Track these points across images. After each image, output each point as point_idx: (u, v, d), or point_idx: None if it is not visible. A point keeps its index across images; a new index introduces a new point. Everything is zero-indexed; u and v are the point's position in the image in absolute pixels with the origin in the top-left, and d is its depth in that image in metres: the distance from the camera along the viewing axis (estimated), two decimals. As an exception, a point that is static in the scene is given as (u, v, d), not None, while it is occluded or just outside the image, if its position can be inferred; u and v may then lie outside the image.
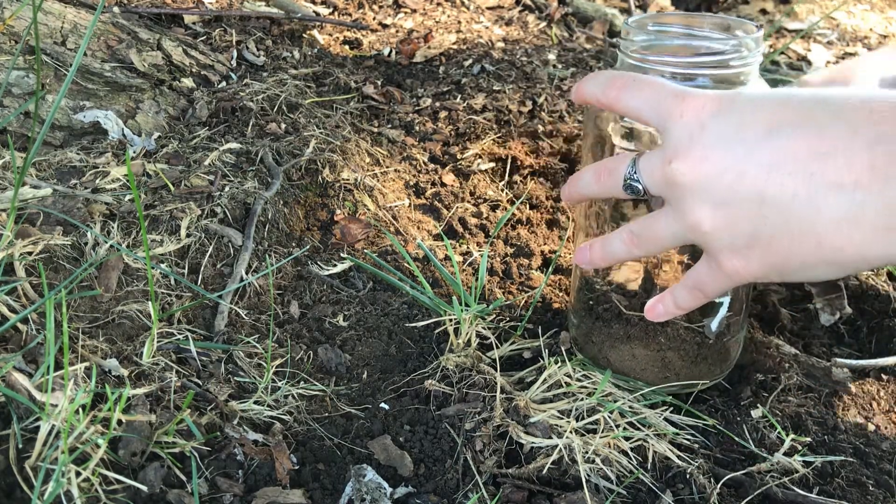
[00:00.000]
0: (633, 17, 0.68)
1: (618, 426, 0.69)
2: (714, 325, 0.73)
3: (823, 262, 0.50)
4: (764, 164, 0.49)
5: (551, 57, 1.52)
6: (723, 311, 0.73)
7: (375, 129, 1.19)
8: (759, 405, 0.75)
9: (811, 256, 0.50)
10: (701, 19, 0.71)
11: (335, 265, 0.91)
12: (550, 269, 0.89)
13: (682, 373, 0.74)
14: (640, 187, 0.56)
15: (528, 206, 1.07)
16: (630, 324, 0.73)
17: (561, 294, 0.89)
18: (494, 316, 0.83)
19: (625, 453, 0.67)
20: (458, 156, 1.15)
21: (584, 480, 0.63)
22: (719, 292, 0.59)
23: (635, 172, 0.56)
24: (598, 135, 0.68)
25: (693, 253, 0.69)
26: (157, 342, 0.72)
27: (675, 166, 0.52)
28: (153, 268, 0.80)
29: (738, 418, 0.75)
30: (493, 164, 1.14)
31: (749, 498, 0.65)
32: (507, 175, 1.13)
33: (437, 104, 1.29)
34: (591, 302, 0.76)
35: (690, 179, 0.52)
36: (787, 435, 0.71)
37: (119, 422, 0.59)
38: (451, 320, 0.77)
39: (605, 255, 0.62)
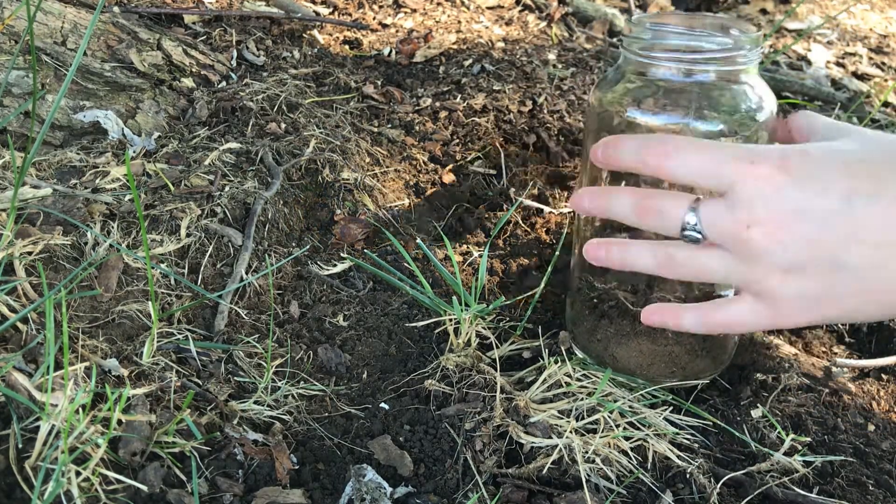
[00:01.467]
0: (636, 16, 0.68)
1: (618, 426, 0.69)
2: None
3: (883, 313, 0.55)
4: (842, 235, 0.52)
5: (551, 57, 1.52)
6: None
7: (375, 129, 1.19)
8: (759, 405, 0.75)
9: (876, 310, 0.54)
10: (702, 19, 0.71)
11: (335, 265, 0.91)
12: (550, 269, 0.89)
13: (688, 367, 0.74)
14: (701, 238, 0.56)
15: (528, 205, 1.07)
16: (637, 319, 0.73)
17: (560, 294, 0.89)
18: (494, 316, 0.83)
19: (625, 453, 0.67)
20: (458, 156, 1.15)
21: (584, 480, 0.64)
22: (750, 331, 0.60)
23: (697, 224, 0.55)
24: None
25: None
26: (157, 342, 0.72)
27: (753, 232, 0.53)
28: (153, 268, 0.80)
29: (738, 418, 0.75)
30: (492, 164, 1.14)
31: (749, 498, 0.65)
32: (506, 175, 1.13)
33: (437, 104, 1.29)
34: (594, 299, 0.76)
35: (766, 245, 0.53)
36: (787, 435, 0.71)
37: (119, 422, 0.59)
38: (451, 320, 0.77)
39: (625, 262, 0.61)
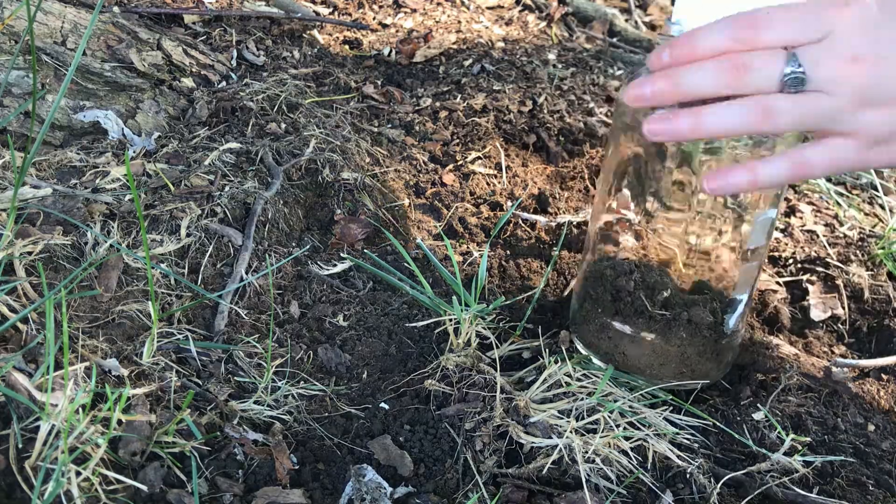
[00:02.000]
0: (675, 14, 0.67)
1: (618, 426, 0.69)
2: (732, 321, 0.74)
3: None
4: None
5: (551, 57, 1.52)
6: (741, 308, 0.74)
7: (375, 129, 1.19)
8: (759, 405, 0.75)
9: None
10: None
11: (335, 265, 0.91)
12: (549, 268, 0.89)
13: (697, 368, 0.75)
14: (806, 80, 0.55)
15: (528, 205, 1.07)
16: (654, 320, 0.73)
17: (561, 292, 0.89)
18: (494, 316, 0.83)
19: (625, 453, 0.67)
20: (458, 156, 1.15)
21: (584, 480, 0.63)
22: (826, 173, 0.60)
23: (801, 67, 0.55)
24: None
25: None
26: (157, 342, 0.72)
27: (859, 66, 0.55)
28: (153, 268, 0.80)
29: (739, 418, 0.75)
30: (492, 164, 1.14)
31: (749, 498, 0.65)
32: (506, 175, 1.13)
33: (437, 104, 1.29)
34: (610, 298, 0.76)
35: (871, 77, 0.55)
36: (787, 435, 0.71)
37: (119, 421, 0.59)
38: (450, 320, 0.77)
39: (700, 128, 0.56)
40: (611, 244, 0.76)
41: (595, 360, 0.77)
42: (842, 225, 1.11)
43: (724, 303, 0.73)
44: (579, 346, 0.79)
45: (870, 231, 1.09)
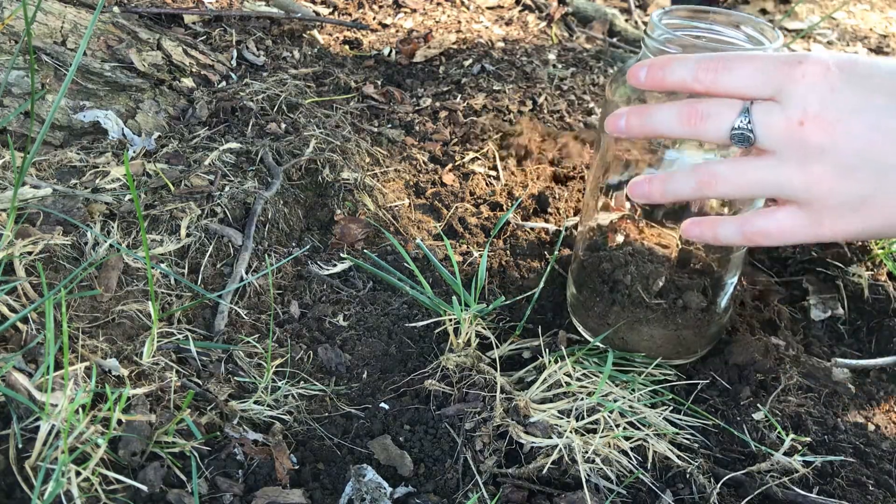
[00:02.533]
0: (656, 11, 0.68)
1: (618, 426, 0.69)
2: (724, 301, 0.77)
3: None
4: (893, 137, 0.52)
5: (551, 57, 1.52)
6: (731, 289, 0.77)
7: (375, 129, 1.19)
8: (759, 405, 0.75)
9: None
10: (716, 16, 0.72)
11: (335, 265, 0.91)
12: (549, 268, 0.89)
13: (691, 346, 0.78)
14: (752, 138, 0.55)
15: (528, 205, 1.07)
16: (651, 309, 0.76)
17: (560, 292, 0.89)
18: (494, 316, 0.83)
19: (625, 453, 0.67)
20: (458, 156, 1.15)
21: (584, 480, 0.64)
22: (778, 243, 0.60)
23: (749, 123, 0.55)
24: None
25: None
26: (157, 342, 0.72)
27: (808, 128, 0.53)
28: (153, 267, 0.80)
29: (738, 418, 0.75)
30: (492, 164, 1.14)
31: (749, 498, 0.65)
32: (504, 174, 1.13)
33: (437, 104, 1.29)
34: (607, 290, 0.78)
35: (820, 141, 0.53)
36: (787, 435, 0.71)
37: (119, 422, 0.59)
38: (450, 320, 0.77)
39: (667, 192, 0.61)
40: (605, 236, 0.79)
41: (593, 341, 0.79)
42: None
43: (716, 285, 0.76)
44: (580, 329, 0.82)
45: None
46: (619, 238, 0.78)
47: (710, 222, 0.62)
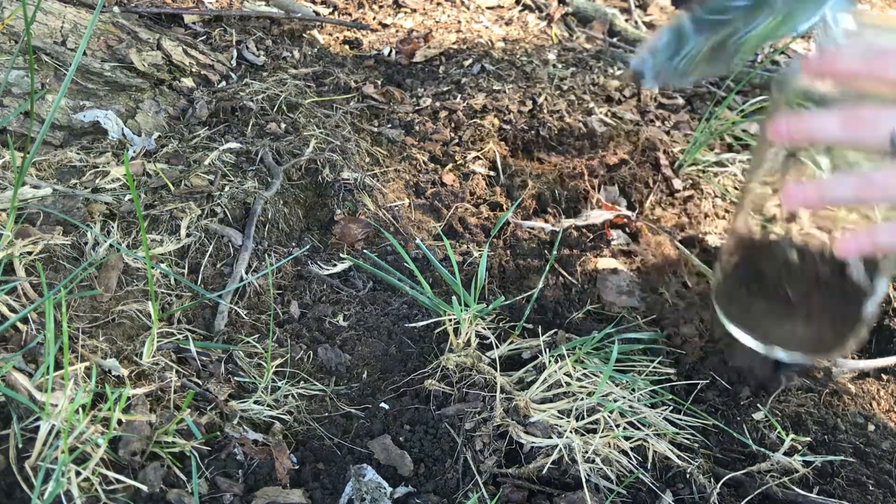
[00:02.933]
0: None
1: (618, 426, 0.69)
2: (871, 306, 0.75)
3: None
4: None
5: (551, 56, 1.52)
6: (879, 294, 0.75)
7: (375, 129, 1.19)
8: (759, 405, 0.75)
9: None
10: None
11: (335, 265, 0.91)
12: (548, 267, 0.89)
13: (832, 344, 0.76)
14: None
15: (528, 205, 1.07)
16: (795, 307, 0.74)
17: (560, 292, 0.89)
18: (494, 316, 0.83)
19: (625, 453, 0.67)
20: (458, 156, 1.15)
21: (584, 480, 0.63)
22: None
23: None
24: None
25: None
26: (157, 342, 0.72)
27: None
28: (153, 267, 0.80)
29: (738, 418, 0.75)
30: (492, 164, 1.14)
31: (749, 498, 0.65)
32: (504, 174, 1.13)
33: (437, 104, 1.29)
34: (755, 282, 0.77)
35: None
36: (787, 435, 0.71)
37: (119, 421, 0.59)
38: (450, 320, 0.77)
39: (823, 198, 0.62)
40: (761, 228, 0.77)
41: (734, 332, 0.78)
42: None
43: (864, 289, 0.74)
44: (721, 317, 0.80)
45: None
46: (774, 233, 0.77)
47: (870, 234, 0.62)
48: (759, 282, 0.77)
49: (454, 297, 0.80)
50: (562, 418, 0.68)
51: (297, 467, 0.65)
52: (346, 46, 1.50)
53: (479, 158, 1.15)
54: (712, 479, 0.66)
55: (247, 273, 0.85)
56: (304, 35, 1.48)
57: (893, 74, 0.57)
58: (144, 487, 0.57)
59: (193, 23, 1.38)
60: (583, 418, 0.69)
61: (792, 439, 0.70)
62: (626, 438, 0.67)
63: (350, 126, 1.15)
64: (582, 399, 0.70)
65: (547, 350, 0.77)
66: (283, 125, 1.11)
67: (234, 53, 1.33)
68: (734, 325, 0.79)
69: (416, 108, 1.28)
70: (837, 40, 0.66)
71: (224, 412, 0.67)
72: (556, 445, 0.66)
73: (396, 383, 0.76)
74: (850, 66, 0.59)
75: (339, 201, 1.00)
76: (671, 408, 0.73)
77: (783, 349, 0.76)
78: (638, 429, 0.69)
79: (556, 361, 0.74)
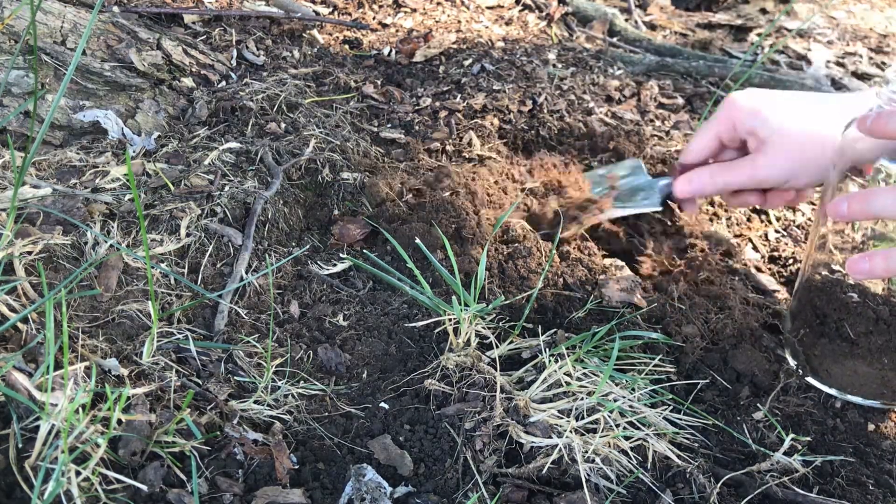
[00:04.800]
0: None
1: (618, 426, 0.69)
2: None
3: None
4: None
5: (551, 56, 1.52)
6: None
7: (375, 129, 1.19)
8: (758, 405, 0.75)
9: None
10: None
11: (335, 265, 0.91)
12: (547, 267, 0.89)
13: None
14: None
15: (527, 204, 1.07)
16: (856, 344, 0.75)
17: (560, 291, 0.89)
18: (494, 315, 0.83)
19: (625, 453, 0.67)
20: (458, 156, 1.15)
21: (583, 480, 0.64)
22: None
23: None
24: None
25: None
26: (157, 342, 0.72)
27: None
28: (153, 267, 0.80)
29: (738, 418, 0.75)
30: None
31: (749, 497, 0.65)
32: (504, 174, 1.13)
33: (437, 104, 1.29)
34: (817, 322, 0.78)
35: None
36: (787, 434, 0.71)
37: (119, 421, 0.59)
38: (450, 320, 0.77)
39: (890, 268, 0.64)
40: (827, 268, 0.78)
41: (806, 375, 0.79)
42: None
43: None
44: (787, 356, 0.81)
45: (871, 231, 1.08)
46: (836, 274, 0.77)
47: (882, 256, 0.64)
48: (821, 325, 0.77)
49: (454, 297, 0.80)
50: (562, 418, 0.68)
51: (297, 467, 0.65)
52: (346, 46, 1.50)
53: (479, 158, 1.15)
54: (712, 479, 0.66)
55: (247, 273, 0.85)
56: (304, 35, 1.48)
57: None
58: (144, 487, 0.57)
59: (193, 23, 1.38)
60: (583, 418, 0.69)
61: (792, 439, 0.70)
62: (626, 438, 0.67)
63: (350, 126, 1.15)
64: (582, 399, 0.70)
65: (547, 349, 0.77)
66: (282, 125, 1.11)
67: (234, 53, 1.33)
68: (797, 362, 0.80)
69: (416, 107, 1.28)
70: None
71: (224, 412, 0.67)
72: (556, 445, 0.66)
73: (396, 383, 0.76)
74: (885, 212, 0.62)
75: (338, 201, 1.00)
76: (671, 407, 0.73)
77: (851, 393, 0.77)
78: (638, 428, 0.69)
79: (556, 361, 0.74)
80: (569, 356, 0.75)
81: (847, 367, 0.76)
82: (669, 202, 1.00)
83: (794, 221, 1.12)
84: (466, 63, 1.45)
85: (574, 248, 0.97)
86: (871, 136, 0.65)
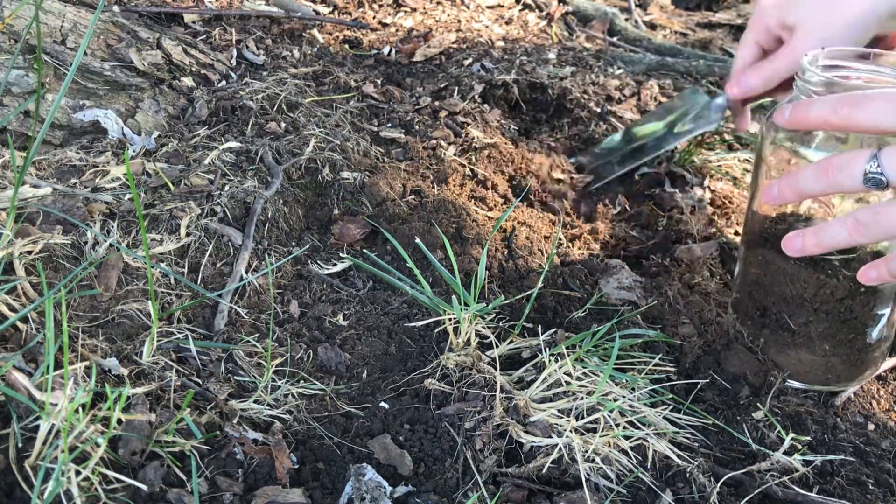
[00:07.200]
0: (811, 53, 0.73)
1: (618, 425, 0.69)
2: (875, 332, 0.77)
3: None
4: None
5: (551, 56, 1.52)
6: (884, 320, 0.77)
7: (375, 128, 1.19)
8: (758, 404, 0.75)
9: None
10: (876, 58, 0.75)
11: (335, 264, 0.91)
12: (547, 267, 0.89)
13: (843, 375, 0.78)
14: (885, 181, 0.59)
15: (526, 203, 1.07)
16: (797, 334, 0.77)
17: (559, 291, 0.89)
18: (494, 315, 0.83)
19: (625, 452, 0.67)
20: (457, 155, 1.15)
21: (583, 479, 0.64)
22: None
23: (878, 167, 0.59)
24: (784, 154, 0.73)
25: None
26: (157, 341, 0.72)
27: None
28: (153, 267, 0.80)
29: (738, 417, 0.75)
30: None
31: (749, 497, 0.65)
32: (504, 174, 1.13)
33: (437, 103, 1.29)
34: (758, 314, 0.80)
35: None
36: (787, 434, 0.71)
37: (119, 421, 0.59)
38: (450, 319, 0.77)
39: (821, 242, 0.65)
40: (759, 259, 0.80)
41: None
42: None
43: (865, 316, 0.75)
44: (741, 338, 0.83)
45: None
46: (770, 262, 0.78)
47: (885, 264, 0.65)
48: (761, 317, 0.79)
49: (454, 297, 0.80)
50: (562, 417, 0.68)
51: (296, 467, 0.65)
52: (346, 45, 1.50)
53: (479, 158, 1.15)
54: (712, 479, 0.66)
55: (247, 272, 0.85)
56: (304, 34, 1.48)
57: (859, 122, 0.60)
58: (144, 487, 0.57)
59: (193, 22, 1.38)
60: (583, 417, 0.69)
61: (792, 438, 0.70)
62: (626, 438, 0.67)
63: (350, 125, 1.15)
64: (582, 398, 0.70)
65: (546, 349, 0.77)
66: (282, 124, 1.11)
67: (234, 53, 1.33)
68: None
69: (416, 106, 1.28)
70: (812, 89, 0.70)
71: (224, 412, 0.67)
72: (556, 445, 0.66)
73: (396, 382, 0.76)
74: (820, 116, 0.63)
75: (338, 201, 1.00)
76: (671, 407, 0.73)
77: (797, 380, 0.79)
78: (638, 428, 0.69)
79: (556, 360, 0.74)
80: (569, 356, 0.75)
81: (791, 357, 0.78)
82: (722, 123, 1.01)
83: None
84: (466, 62, 1.45)
85: (574, 247, 0.97)
86: (790, 128, 0.66)
